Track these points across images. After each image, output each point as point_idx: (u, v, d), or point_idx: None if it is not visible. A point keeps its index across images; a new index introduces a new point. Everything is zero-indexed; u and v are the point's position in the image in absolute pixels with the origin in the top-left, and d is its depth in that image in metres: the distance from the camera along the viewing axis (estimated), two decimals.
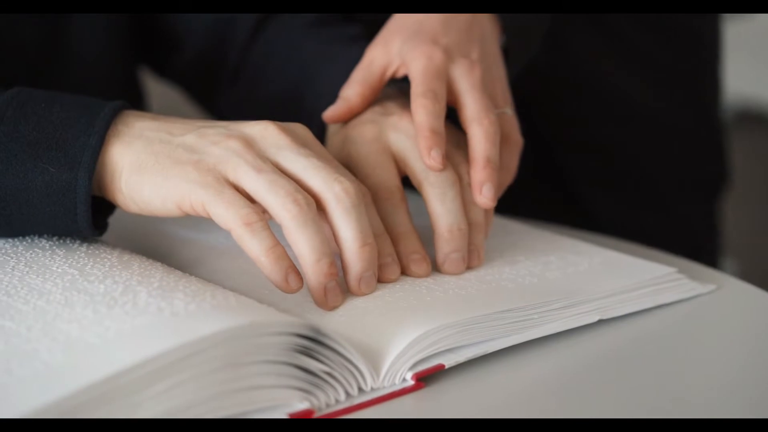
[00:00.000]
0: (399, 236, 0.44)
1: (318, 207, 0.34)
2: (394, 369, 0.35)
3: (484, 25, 0.49)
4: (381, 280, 0.42)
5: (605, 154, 0.84)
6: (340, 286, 0.35)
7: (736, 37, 0.94)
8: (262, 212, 0.34)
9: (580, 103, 0.81)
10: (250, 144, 0.35)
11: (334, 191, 0.34)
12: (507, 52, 0.52)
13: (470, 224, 0.45)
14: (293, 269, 0.37)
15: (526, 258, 0.49)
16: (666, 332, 0.45)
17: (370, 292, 0.40)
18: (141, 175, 0.37)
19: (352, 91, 0.45)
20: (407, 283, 0.43)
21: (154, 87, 0.90)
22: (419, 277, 0.39)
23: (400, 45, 0.42)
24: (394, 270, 0.43)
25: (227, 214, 0.33)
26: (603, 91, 0.81)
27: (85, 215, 0.40)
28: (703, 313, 0.49)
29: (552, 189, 0.83)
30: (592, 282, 0.46)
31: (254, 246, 0.33)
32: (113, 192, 0.40)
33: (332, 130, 0.45)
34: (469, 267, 0.45)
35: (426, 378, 0.37)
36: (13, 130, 0.35)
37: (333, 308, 0.39)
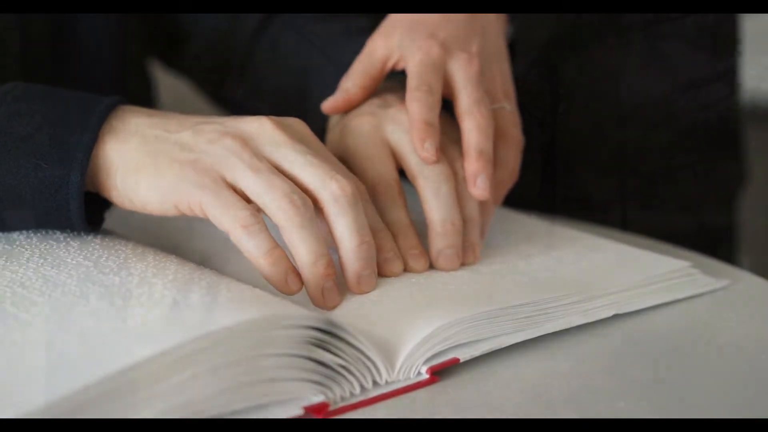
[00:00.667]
0: (396, 231, 0.43)
1: (315, 205, 0.34)
2: (408, 363, 0.35)
3: (487, 18, 0.49)
4: (383, 274, 0.41)
5: (614, 152, 0.83)
6: (338, 286, 0.35)
7: (747, 34, 0.93)
8: (258, 212, 0.33)
9: (588, 101, 0.81)
10: (246, 142, 0.34)
11: (331, 189, 0.34)
12: (514, 47, 0.52)
13: (466, 220, 0.44)
14: (292, 271, 0.35)
15: (540, 252, 0.49)
16: (680, 327, 0.45)
17: (369, 291, 0.40)
18: (137, 174, 0.37)
19: (352, 82, 0.44)
20: (422, 278, 0.43)
21: (163, 78, 0.91)
22: (417, 272, 0.39)
23: (400, 37, 0.42)
24: (396, 265, 0.42)
25: (224, 217, 0.33)
26: (611, 89, 0.81)
27: (78, 212, 0.39)
28: (718, 308, 0.48)
29: (563, 187, 0.82)
30: (606, 276, 0.46)
31: (252, 248, 0.33)
32: (108, 189, 0.40)
33: (332, 121, 0.45)
34: (464, 263, 0.45)
35: (441, 372, 0.36)
36: (7, 125, 0.34)
37: (331, 308, 0.38)
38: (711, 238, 0.85)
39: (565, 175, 0.82)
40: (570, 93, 0.79)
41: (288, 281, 0.37)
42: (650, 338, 0.44)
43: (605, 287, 0.44)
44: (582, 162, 0.82)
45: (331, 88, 0.48)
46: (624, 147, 0.83)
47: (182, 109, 0.43)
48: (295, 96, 0.58)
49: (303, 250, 0.36)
